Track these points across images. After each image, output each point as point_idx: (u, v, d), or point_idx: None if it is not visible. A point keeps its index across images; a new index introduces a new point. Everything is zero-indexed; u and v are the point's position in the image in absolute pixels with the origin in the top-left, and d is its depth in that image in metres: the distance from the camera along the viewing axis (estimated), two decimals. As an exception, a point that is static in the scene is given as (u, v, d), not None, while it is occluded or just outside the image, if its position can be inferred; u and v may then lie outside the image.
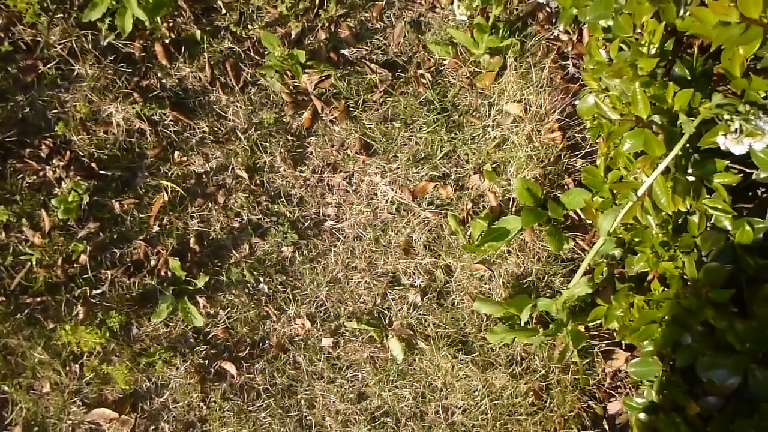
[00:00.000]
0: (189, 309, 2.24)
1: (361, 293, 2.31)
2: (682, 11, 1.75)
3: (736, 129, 1.45)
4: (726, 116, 1.45)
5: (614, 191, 2.01)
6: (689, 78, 1.82)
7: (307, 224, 2.34)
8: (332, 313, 2.30)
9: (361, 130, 2.37)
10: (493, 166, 2.34)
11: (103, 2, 2.21)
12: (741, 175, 1.71)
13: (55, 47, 2.30)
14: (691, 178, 1.75)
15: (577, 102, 2.31)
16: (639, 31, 1.84)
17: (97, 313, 2.21)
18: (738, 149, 1.48)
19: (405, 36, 2.47)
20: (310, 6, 2.46)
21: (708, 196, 1.76)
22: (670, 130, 1.66)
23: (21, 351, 2.20)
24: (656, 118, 1.69)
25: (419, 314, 2.29)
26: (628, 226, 1.98)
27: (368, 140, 2.37)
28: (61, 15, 2.30)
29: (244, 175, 2.33)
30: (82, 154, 2.28)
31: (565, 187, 2.31)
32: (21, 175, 2.24)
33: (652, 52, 1.78)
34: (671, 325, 1.81)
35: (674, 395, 1.84)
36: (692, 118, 1.68)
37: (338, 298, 2.31)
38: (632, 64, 1.78)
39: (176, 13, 2.38)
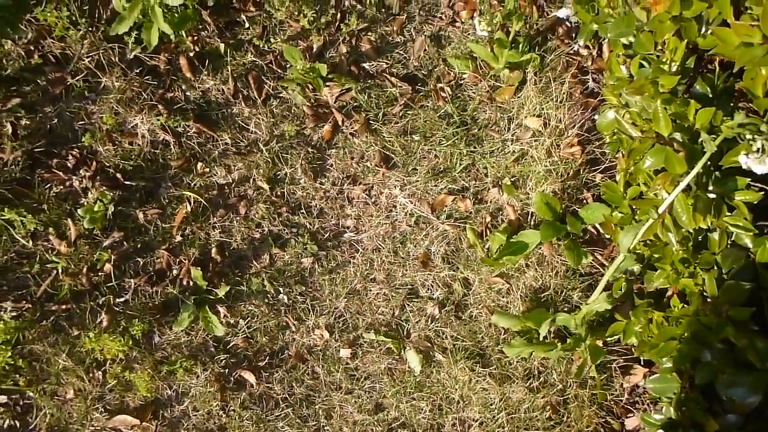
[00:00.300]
0: (210, 318, 2.27)
1: (379, 305, 2.33)
2: (703, 29, 1.76)
3: (759, 149, 1.46)
4: (748, 136, 1.46)
5: (634, 207, 2.02)
6: (710, 95, 1.83)
7: (326, 236, 2.37)
8: (351, 324, 2.32)
9: (381, 142, 2.39)
10: (512, 179, 2.35)
11: (130, 16, 2.25)
12: (762, 193, 1.72)
13: (83, 60, 2.34)
14: (711, 196, 1.76)
15: (596, 117, 2.33)
16: (660, 48, 1.85)
17: (120, 321, 2.25)
18: (760, 169, 1.49)
19: (425, 50, 2.49)
20: (332, 20, 2.49)
21: (729, 214, 1.77)
22: (691, 148, 1.67)
23: (46, 357, 2.24)
24: (677, 135, 1.70)
25: (437, 326, 2.30)
26: (648, 242, 1.98)
27: (388, 153, 2.39)
28: (89, 29, 2.35)
29: (266, 186, 2.36)
30: (107, 164, 2.32)
31: (584, 201, 2.32)
32: (48, 185, 2.28)
33: (674, 69, 1.79)
34: (691, 342, 1.81)
35: (693, 412, 1.84)
36: (714, 136, 1.69)
37: (357, 310, 2.33)
38: (653, 81, 1.79)
39: (201, 26, 2.42)
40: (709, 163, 1.69)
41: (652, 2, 1.71)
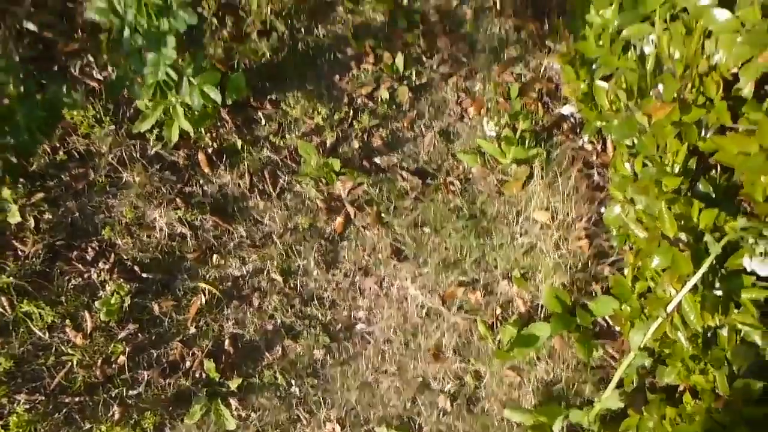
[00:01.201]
0: (222, 411, 2.26)
1: (391, 398, 2.33)
2: (703, 132, 1.83)
3: (762, 252, 1.49)
4: (750, 240, 1.50)
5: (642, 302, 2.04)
6: (713, 194, 1.88)
7: (338, 327, 2.39)
8: (362, 418, 2.31)
9: (392, 235, 2.45)
10: (522, 272, 2.39)
11: (153, 114, 2.36)
12: (769, 291, 1.74)
13: (106, 156, 2.44)
14: (718, 293, 1.78)
15: (603, 210, 2.38)
16: (662, 149, 1.92)
17: (132, 414, 2.25)
18: (764, 271, 1.52)
19: (435, 145, 2.58)
20: (345, 117, 2.59)
21: (736, 311, 1.79)
22: (697, 248, 1.71)
23: (56, 451, 2.23)
24: (683, 235, 1.74)
25: (449, 420, 2.29)
26: (658, 338, 1.99)
27: (399, 245, 2.44)
28: (113, 126, 2.45)
29: (279, 278, 2.40)
30: (125, 257, 2.38)
31: (594, 293, 2.35)
32: (67, 277, 2.33)
33: (676, 170, 1.85)
34: (705, 441, 1.80)
35: None
36: (718, 234, 1.73)
37: (368, 402, 2.33)
38: (657, 182, 1.85)
39: (219, 124, 2.52)
40: (715, 261, 1.73)
41: (652, 108, 1.79)
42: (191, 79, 2.05)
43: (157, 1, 1.64)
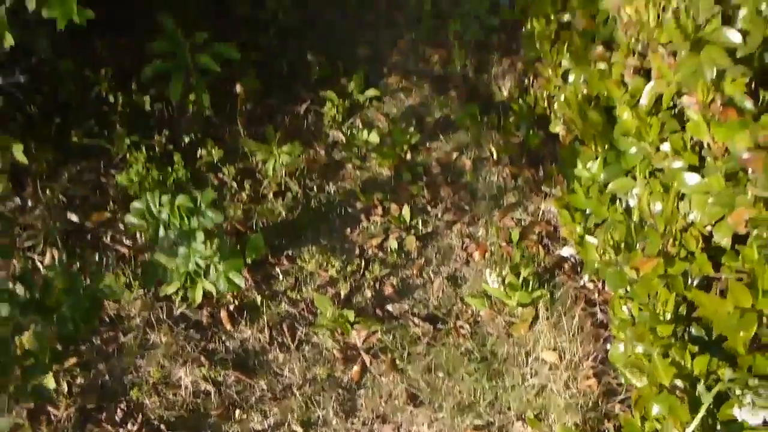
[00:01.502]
0: None
1: None
2: (690, 281, 1.96)
3: (749, 402, 1.58)
4: (738, 391, 1.59)
5: (652, 442, 2.09)
6: (707, 338, 1.98)
7: (359, 477, 2.45)
8: None
9: (407, 381, 2.54)
10: (535, 413, 2.46)
11: (179, 279, 2.53)
12: (769, 433, 1.80)
13: (135, 319, 2.60)
14: (722, 435, 1.85)
15: (608, 346, 2.48)
16: (654, 295, 2.04)
17: None
18: (754, 420, 1.60)
19: (443, 290, 2.72)
20: (357, 268, 2.76)
21: (742, 453, 1.84)
22: (693, 395, 1.80)
23: None
24: (679, 382, 1.83)
25: None
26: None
27: (414, 391, 2.53)
28: (142, 291, 2.63)
29: (300, 429, 2.48)
30: (152, 416, 2.48)
31: (606, 432, 2.40)
32: (97, 440, 2.44)
33: (668, 317, 1.96)
34: None
35: None
36: (715, 376, 1.82)
37: None
38: (651, 329, 1.96)
39: (240, 281, 2.70)
40: (712, 405, 1.81)
41: (639, 262, 1.93)
42: (218, 266, 2.24)
43: (188, 204, 1.86)
